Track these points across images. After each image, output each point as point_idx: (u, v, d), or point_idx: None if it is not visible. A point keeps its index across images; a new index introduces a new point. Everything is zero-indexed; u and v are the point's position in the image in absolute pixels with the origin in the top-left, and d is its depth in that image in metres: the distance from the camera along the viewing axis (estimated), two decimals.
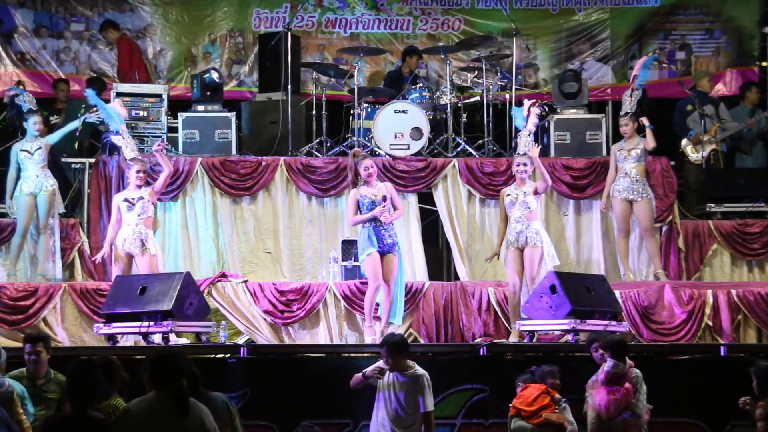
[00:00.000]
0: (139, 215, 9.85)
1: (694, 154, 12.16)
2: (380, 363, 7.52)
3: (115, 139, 10.36)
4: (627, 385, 7.41)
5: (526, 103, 10.37)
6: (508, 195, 9.88)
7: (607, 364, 7.44)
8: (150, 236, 9.91)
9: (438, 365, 8.73)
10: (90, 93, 10.64)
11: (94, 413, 5.34)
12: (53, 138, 10.77)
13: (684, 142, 12.25)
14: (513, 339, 9.67)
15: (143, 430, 4.95)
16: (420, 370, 7.48)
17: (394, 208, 9.61)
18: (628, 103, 10.99)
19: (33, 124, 10.58)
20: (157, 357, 5.21)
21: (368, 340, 9.48)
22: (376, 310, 9.56)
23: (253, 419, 8.42)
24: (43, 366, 7.16)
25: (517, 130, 10.47)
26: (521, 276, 9.74)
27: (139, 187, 9.96)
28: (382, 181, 11.06)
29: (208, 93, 11.65)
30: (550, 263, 9.76)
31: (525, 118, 10.19)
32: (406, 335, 10.04)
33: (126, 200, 9.92)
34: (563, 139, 11.64)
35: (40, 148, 10.55)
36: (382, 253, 9.42)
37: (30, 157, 10.52)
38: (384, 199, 9.47)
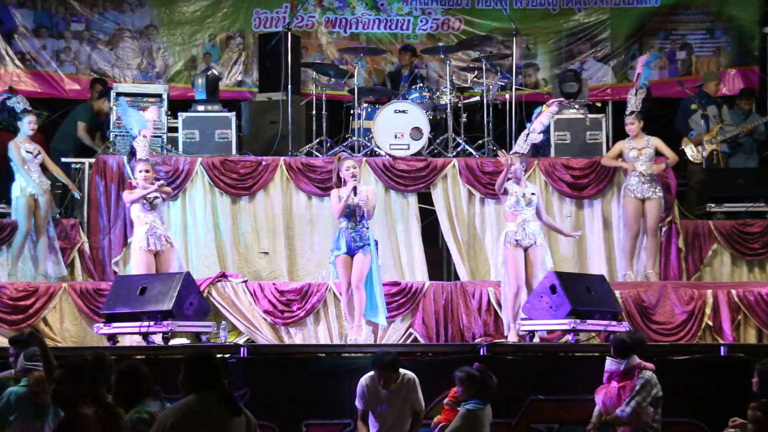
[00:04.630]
0: (156, 214, 9.89)
1: (693, 153, 12.17)
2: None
3: (135, 143, 10.36)
4: (627, 382, 7.39)
5: (550, 102, 10.36)
6: (514, 193, 9.80)
7: (606, 364, 7.48)
8: (167, 230, 10.07)
9: (438, 365, 8.73)
10: (122, 101, 10.93)
11: (83, 410, 5.33)
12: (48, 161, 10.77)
13: (684, 141, 12.28)
14: (512, 338, 9.65)
15: None
16: (407, 374, 7.53)
17: (368, 214, 9.52)
18: (634, 102, 10.99)
19: (28, 123, 10.62)
20: (198, 358, 5.14)
21: (355, 339, 9.47)
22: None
23: None
24: None
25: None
26: (522, 275, 9.71)
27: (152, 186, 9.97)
28: (388, 186, 11.14)
29: (212, 91, 11.66)
30: (547, 264, 9.78)
31: (536, 116, 10.17)
32: (405, 335, 10.06)
33: (143, 198, 9.90)
34: (563, 139, 11.64)
35: (40, 153, 10.60)
36: (352, 255, 9.42)
37: (33, 158, 10.55)
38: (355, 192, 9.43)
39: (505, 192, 9.83)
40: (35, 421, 6.43)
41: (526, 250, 9.71)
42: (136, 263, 9.88)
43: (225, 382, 5.05)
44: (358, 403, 7.66)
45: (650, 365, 7.53)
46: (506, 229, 9.86)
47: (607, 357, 7.54)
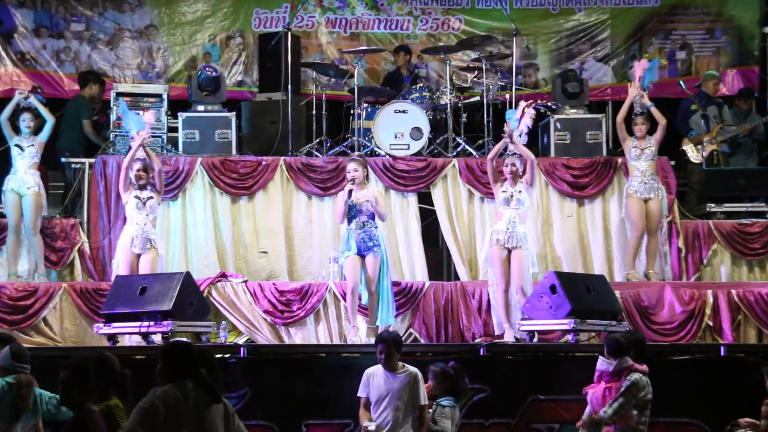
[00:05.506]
0: (147, 215, 9.88)
1: (693, 153, 12.18)
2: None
3: (132, 143, 10.34)
4: (615, 384, 7.38)
5: (522, 103, 10.34)
6: (504, 191, 9.85)
7: (598, 363, 7.48)
8: (156, 234, 9.98)
9: None
10: (120, 100, 11.03)
11: (92, 407, 5.35)
12: (43, 135, 10.76)
13: (684, 141, 12.29)
14: (508, 338, 9.65)
15: (173, 421, 4.93)
16: (412, 368, 7.52)
17: (380, 216, 9.58)
18: (641, 103, 10.99)
19: (22, 121, 10.62)
20: (175, 348, 5.18)
21: (353, 340, 9.49)
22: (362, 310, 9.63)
23: (253, 419, 8.43)
24: None
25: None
26: (509, 275, 9.72)
27: (144, 187, 9.95)
28: (388, 186, 11.14)
29: (205, 93, 11.66)
30: (531, 268, 9.79)
31: (519, 119, 10.14)
32: (405, 335, 10.06)
33: (137, 197, 9.91)
34: (563, 139, 11.64)
35: (32, 145, 10.59)
36: (363, 256, 9.45)
37: (21, 153, 10.54)
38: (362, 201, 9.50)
39: (497, 181, 9.89)
40: (2, 422, 6.29)
41: (510, 251, 9.72)
42: (119, 260, 9.93)
43: (203, 370, 5.08)
44: (360, 392, 7.56)
45: (642, 368, 7.45)
46: (494, 227, 9.90)
47: (599, 356, 7.54)
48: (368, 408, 7.55)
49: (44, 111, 10.80)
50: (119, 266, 9.90)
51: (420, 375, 7.51)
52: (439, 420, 7.53)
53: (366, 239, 9.45)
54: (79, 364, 5.52)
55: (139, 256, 9.83)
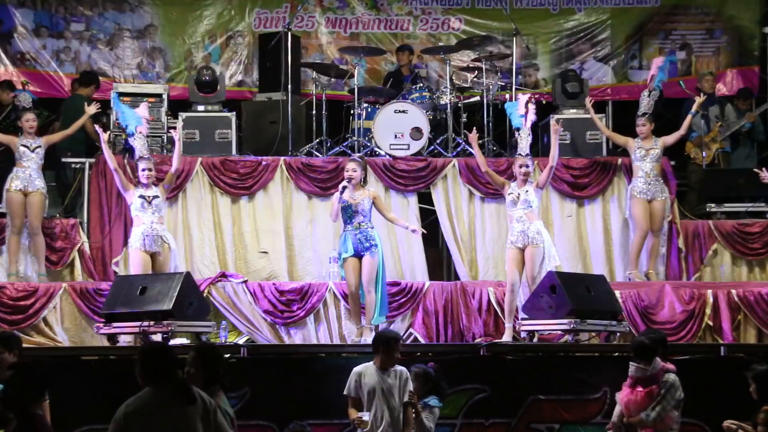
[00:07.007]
0: (153, 213, 9.88)
1: (697, 155, 12.18)
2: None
3: (131, 141, 10.35)
4: (653, 387, 7.40)
5: (522, 99, 10.31)
6: (510, 193, 9.86)
7: (630, 369, 7.48)
8: (166, 231, 10.02)
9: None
10: (113, 96, 10.97)
11: (37, 412, 5.36)
12: (55, 137, 10.79)
13: (687, 144, 12.28)
14: (507, 338, 9.65)
15: (146, 424, 4.95)
16: (401, 368, 7.50)
17: (383, 214, 9.65)
18: (646, 103, 11.01)
19: (26, 121, 10.61)
20: (152, 350, 5.21)
21: (358, 340, 9.50)
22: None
23: (253, 419, 8.44)
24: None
25: (516, 129, 10.41)
26: (521, 275, 9.73)
27: (153, 185, 9.96)
28: (388, 186, 11.14)
29: (203, 93, 11.65)
30: (551, 263, 9.76)
31: (523, 115, 10.13)
32: (405, 335, 10.06)
33: (141, 197, 9.91)
34: (563, 139, 11.62)
35: (39, 146, 10.58)
36: (360, 257, 9.46)
37: (31, 153, 10.53)
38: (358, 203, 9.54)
39: (504, 184, 9.92)
40: None
41: (523, 250, 9.72)
42: (132, 263, 9.95)
43: (180, 372, 5.12)
44: (349, 391, 7.45)
45: (672, 366, 7.54)
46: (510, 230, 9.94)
47: (630, 362, 7.54)
48: (357, 407, 7.46)
49: (77, 125, 10.87)
50: (133, 268, 9.89)
51: (407, 372, 7.50)
52: (428, 420, 7.54)
53: (363, 240, 9.46)
54: (24, 367, 5.51)
55: (152, 255, 9.84)
